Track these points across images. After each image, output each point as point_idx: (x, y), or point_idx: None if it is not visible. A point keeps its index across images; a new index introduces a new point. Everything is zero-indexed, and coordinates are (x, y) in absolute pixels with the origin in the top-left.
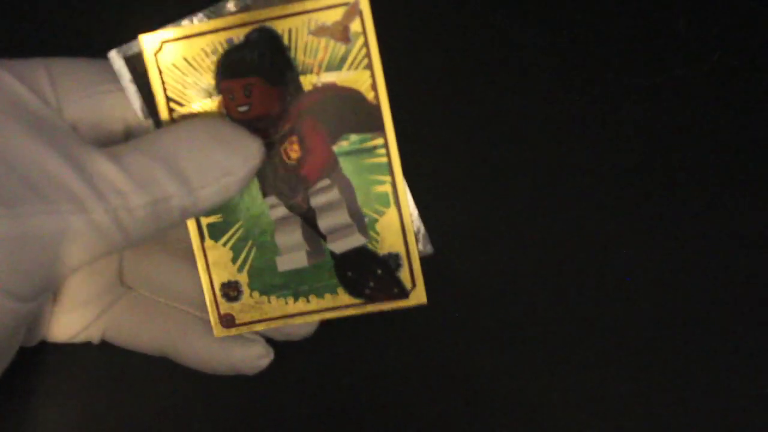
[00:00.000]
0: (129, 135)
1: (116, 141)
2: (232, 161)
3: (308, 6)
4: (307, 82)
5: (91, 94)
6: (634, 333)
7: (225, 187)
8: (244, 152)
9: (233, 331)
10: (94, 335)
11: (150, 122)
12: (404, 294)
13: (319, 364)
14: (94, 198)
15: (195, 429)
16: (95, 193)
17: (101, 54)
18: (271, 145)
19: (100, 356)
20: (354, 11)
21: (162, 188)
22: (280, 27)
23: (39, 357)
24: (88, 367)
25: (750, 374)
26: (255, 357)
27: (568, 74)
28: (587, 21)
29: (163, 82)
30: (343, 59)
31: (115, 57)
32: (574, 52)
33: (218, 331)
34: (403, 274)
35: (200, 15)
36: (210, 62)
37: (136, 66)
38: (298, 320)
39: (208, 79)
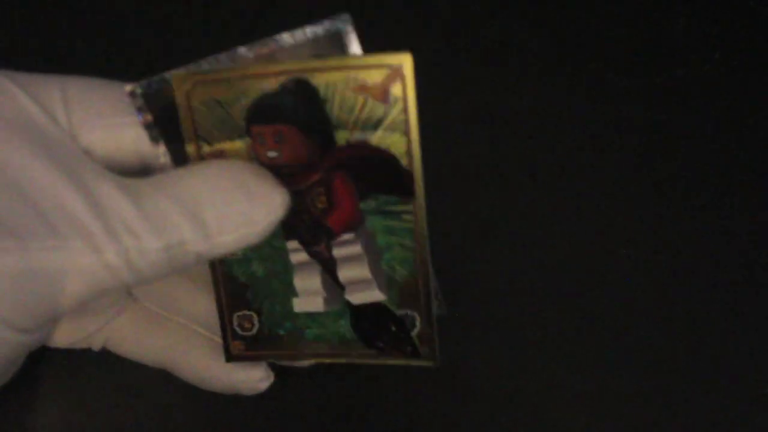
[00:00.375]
0: (144, 169)
1: (131, 172)
2: (254, 212)
3: (350, 63)
4: (341, 137)
5: (106, 126)
6: (634, 333)
7: (244, 236)
8: (269, 204)
9: (243, 361)
10: (95, 343)
11: (167, 160)
12: (416, 354)
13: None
14: (107, 238)
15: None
16: (108, 233)
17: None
18: (298, 193)
19: (100, 357)
20: (397, 74)
21: (178, 233)
22: (318, 80)
23: (39, 356)
24: (88, 367)
25: (750, 374)
26: (256, 380)
27: (568, 75)
28: (587, 21)
29: (193, 121)
30: (380, 120)
31: (134, 91)
32: (575, 53)
33: (228, 358)
34: (417, 333)
35: (215, 57)
36: (242, 106)
37: (156, 102)
38: (307, 361)
39: (239, 121)
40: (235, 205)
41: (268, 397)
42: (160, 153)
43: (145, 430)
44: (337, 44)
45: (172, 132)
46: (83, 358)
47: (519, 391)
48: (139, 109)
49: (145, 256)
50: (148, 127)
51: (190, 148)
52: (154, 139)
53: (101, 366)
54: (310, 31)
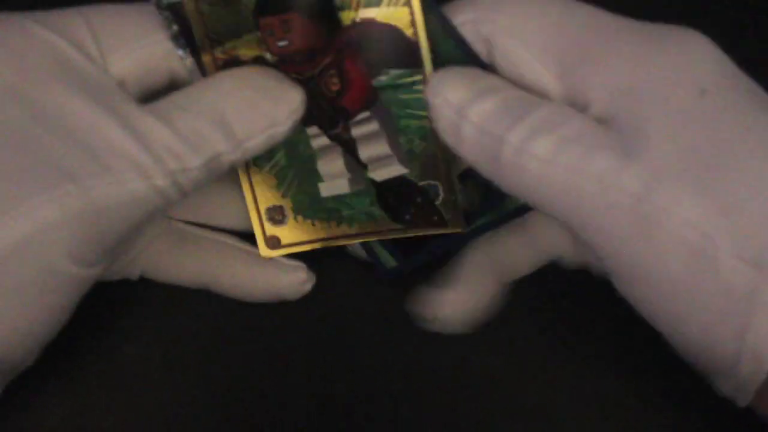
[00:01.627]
0: (173, 85)
1: (160, 92)
2: (277, 112)
3: None
4: (346, 17)
5: (137, 47)
6: (634, 333)
7: (271, 137)
8: (289, 102)
9: (280, 252)
10: (133, 271)
11: (194, 68)
12: (443, 223)
13: (318, 364)
14: (155, 164)
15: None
16: (155, 159)
17: None
18: (311, 78)
19: (100, 357)
20: None
21: (213, 147)
22: None
23: (39, 356)
24: (88, 367)
25: None
26: (299, 282)
27: None
28: None
29: (204, 23)
30: None
31: (160, 3)
32: None
33: (264, 251)
34: (442, 204)
35: None
36: (248, 0)
37: (179, 11)
38: (342, 242)
39: (247, 16)
40: (259, 108)
41: (268, 397)
42: (187, 63)
43: (145, 430)
44: None
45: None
46: (83, 358)
47: (518, 392)
48: (166, 20)
49: (187, 174)
50: (174, 37)
51: (205, 52)
52: (182, 48)
53: (102, 366)
54: None
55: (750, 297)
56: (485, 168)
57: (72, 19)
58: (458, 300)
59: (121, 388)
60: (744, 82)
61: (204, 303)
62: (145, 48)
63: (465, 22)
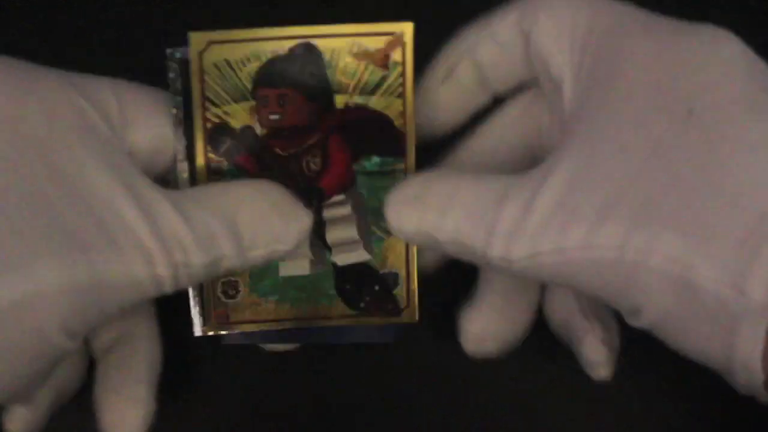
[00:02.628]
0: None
1: (162, 170)
2: (284, 231)
3: (355, 30)
4: (341, 101)
5: (155, 125)
6: (634, 333)
7: (273, 252)
8: (298, 224)
9: (225, 329)
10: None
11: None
12: (397, 312)
13: (317, 366)
14: (161, 252)
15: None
16: (162, 247)
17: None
18: (293, 156)
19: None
20: (398, 42)
21: (220, 249)
22: (324, 46)
23: None
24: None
25: None
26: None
27: None
28: None
29: (202, 81)
30: (378, 85)
31: (172, 54)
32: None
33: (209, 328)
34: (400, 293)
35: None
36: (250, 68)
37: (186, 65)
38: (290, 325)
39: (246, 84)
40: (270, 223)
41: (268, 398)
42: (175, 113)
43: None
44: None
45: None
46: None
47: (517, 393)
48: (171, 70)
49: (189, 269)
50: (172, 84)
51: (197, 110)
52: (176, 97)
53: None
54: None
55: (732, 319)
56: (481, 265)
57: (103, 87)
58: (484, 318)
59: None
60: (759, 81)
61: None
62: (161, 128)
63: (510, 22)
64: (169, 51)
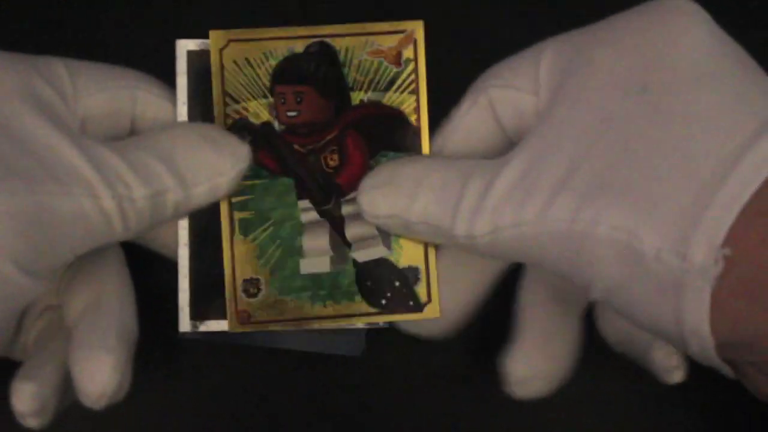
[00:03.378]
0: (134, 131)
1: (121, 136)
2: (223, 163)
3: (369, 29)
4: (356, 97)
5: (106, 88)
6: None
7: (216, 186)
8: (234, 155)
9: (248, 328)
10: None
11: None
12: (419, 307)
13: (319, 367)
14: (104, 185)
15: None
16: (104, 181)
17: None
18: (312, 151)
19: None
20: (409, 39)
21: (161, 183)
22: (339, 44)
23: None
24: None
25: None
26: None
27: None
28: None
29: (222, 77)
30: (392, 81)
31: (181, 46)
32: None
33: (233, 326)
34: (420, 289)
35: None
36: (268, 66)
37: (195, 61)
38: (314, 324)
39: (265, 81)
40: (206, 157)
41: (268, 397)
42: (182, 110)
43: (145, 430)
44: None
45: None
46: None
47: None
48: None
49: (134, 203)
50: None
51: (217, 104)
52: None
53: None
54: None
55: (677, 285)
56: (448, 245)
57: (53, 60)
58: (529, 358)
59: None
60: (720, 59)
61: None
62: (114, 90)
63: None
64: (180, 43)
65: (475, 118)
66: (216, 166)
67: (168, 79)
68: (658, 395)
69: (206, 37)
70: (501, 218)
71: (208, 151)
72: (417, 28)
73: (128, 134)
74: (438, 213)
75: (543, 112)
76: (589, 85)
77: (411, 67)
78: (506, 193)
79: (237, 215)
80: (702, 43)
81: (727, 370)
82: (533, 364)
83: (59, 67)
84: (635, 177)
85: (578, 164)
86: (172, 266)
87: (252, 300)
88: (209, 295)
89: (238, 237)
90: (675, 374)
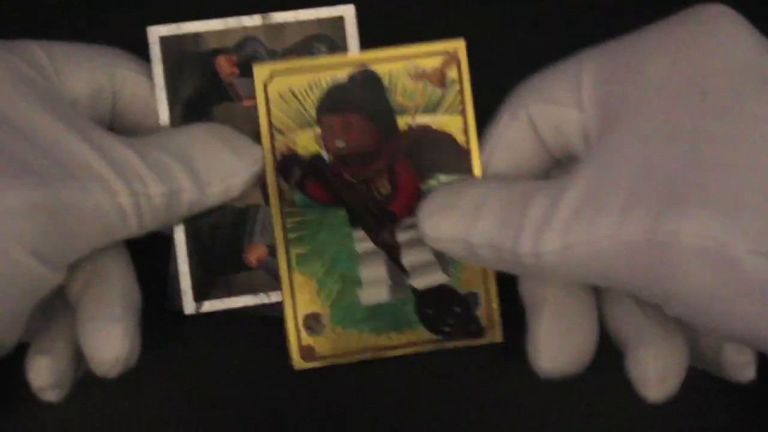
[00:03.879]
0: (114, 109)
1: (104, 116)
2: (237, 164)
3: (410, 52)
4: (403, 122)
5: (85, 69)
6: None
7: (229, 186)
8: (249, 157)
9: (314, 364)
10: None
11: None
12: (480, 333)
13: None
14: (120, 181)
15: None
16: (120, 177)
17: None
18: (363, 182)
19: None
20: (452, 59)
21: (177, 181)
22: (382, 70)
23: None
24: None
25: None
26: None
27: None
28: (587, 22)
29: (268, 110)
30: (438, 103)
31: (152, 33)
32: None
33: (298, 363)
34: (481, 313)
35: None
36: (314, 96)
37: (168, 46)
38: (376, 355)
39: (311, 112)
40: (222, 158)
41: (268, 397)
42: (160, 98)
43: (145, 430)
44: (339, 28)
45: (178, 84)
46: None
47: (516, 392)
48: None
49: (150, 201)
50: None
51: (265, 138)
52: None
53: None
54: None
55: None
56: (515, 272)
57: (29, 45)
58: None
59: (121, 388)
60: (761, 51)
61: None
62: (93, 69)
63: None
64: (151, 29)
65: (515, 134)
66: (231, 167)
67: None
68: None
69: (178, 20)
70: (570, 236)
71: (224, 152)
72: (459, 48)
73: (110, 113)
74: (501, 233)
75: (598, 127)
76: (645, 96)
77: (456, 87)
78: (575, 209)
79: (293, 251)
80: (750, 47)
81: None
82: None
83: (36, 50)
84: (713, 182)
85: (649, 174)
86: (162, 249)
87: (315, 336)
88: (209, 275)
89: (296, 273)
90: (748, 371)
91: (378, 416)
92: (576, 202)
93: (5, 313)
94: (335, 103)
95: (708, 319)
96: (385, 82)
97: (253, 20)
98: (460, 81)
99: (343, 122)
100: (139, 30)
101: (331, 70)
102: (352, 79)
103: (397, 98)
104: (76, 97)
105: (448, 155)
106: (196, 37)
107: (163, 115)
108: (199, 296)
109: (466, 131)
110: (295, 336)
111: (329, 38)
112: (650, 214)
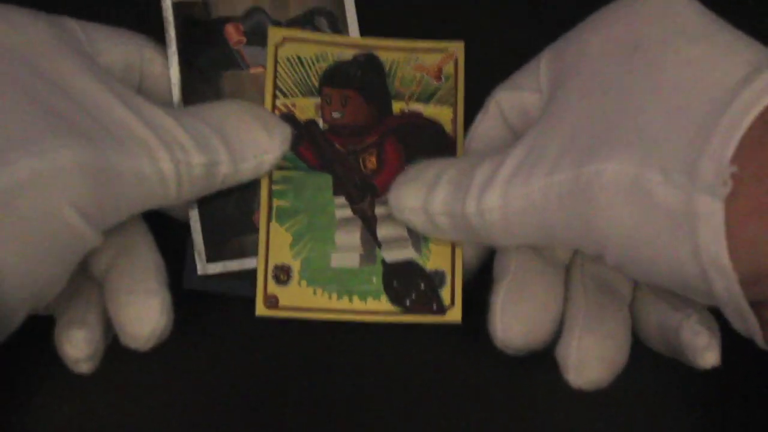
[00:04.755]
0: (141, 89)
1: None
2: (270, 141)
3: (414, 46)
4: (397, 107)
5: (118, 44)
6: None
7: (261, 163)
8: (281, 135)
9: (275, 313)
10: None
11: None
12: (441, 310)
13: (324, 365)
14: (162, 148)
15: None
16: (163, 144)
17: None
18: (352, 153)
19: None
20: (451, 57)
21: (216, 153)
22: (385, 56)
23: (37, 357)
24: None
25: (753, 373)
26: None
27: None
28: None
29: (275, 71)
30: (432, 94)
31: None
32: None
33: (260, 309)
34: (445, 292)
35: None
36: (318, 67)
37: (181, 12)
38: (336, 317)
39: (314, 81)
40: (255, 135)
41: (269, 397)
42: (172, 61)
43: (145, 430)
44: (338, 2)
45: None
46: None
47: (517, 391)
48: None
49: (190, 169)
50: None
51: (268, 96)
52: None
53: (101, 366)
54: None
55: (688, 217)
56: (470, 239)
57: (67, 20)
58: (575, 340)
59: (122, 388)
60: (707, 20)
61: (209, 306)
62: (125, 46)
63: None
64: None
65: (487, 124)
66: (264, 144)
67: (152, 33)
68: (659, 395)
69: None
70: (510, 189)
71: (257, 129)
72: (459, 49)
73: (136, 90)
74: (453, 199)
75: (545, 99)
76: (584, 60)
77: (450, 82)
78: (515, 167)
79: (275, 202)
80: (689, 9)
81: (753, 323)
82: (586, 346)
83: (72, 24)
84: (635, 125)
85: (581, 127)
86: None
87: (281, 287)
88: (221, 237)
89: (274, 223)
90: (707, 355)
91: (330, 378)
92: (517, 161)
93: (50, 270)
94: (338, 77)
95: (638, 263)
96: (387, 67)
97: None
98: (456, 78)
99: (342, 95)
100: None
101: (338, 48)
102: (356, 59)
103: (395, 84)
104: (110, 70)
105: (434, 141)
106: (206, 4)
107: (175, 78)
108: (211, 258)
109: (454, 122)
110: (263, 284)
111: (329, 12)
112: (578, 161)
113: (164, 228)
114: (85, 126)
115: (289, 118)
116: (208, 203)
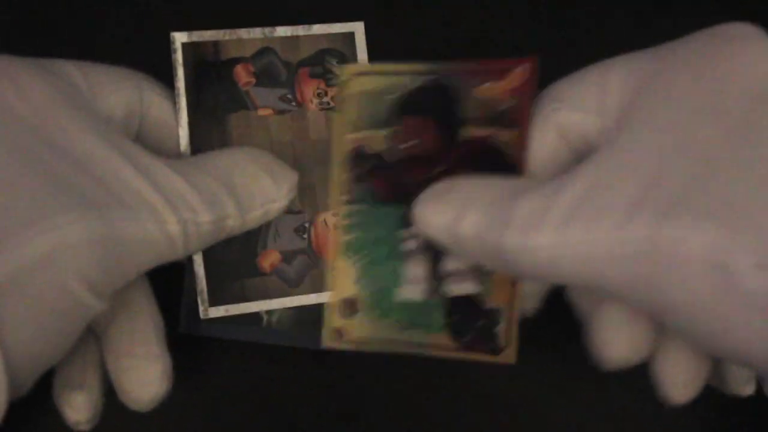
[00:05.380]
0: (140, 132)
1: (133, 135)
2: (277, 189)
3: (482, 66)
4: (465, 132)
5: (118, 89)
6: None
7: (267, 212)
8: (287, 183)
9: (340, 345)
10: None
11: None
12: (496, 350)
13: (325, 369)
14: (169, 210)
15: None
16: (169, 205)
17: None
18: (427, 181)
19: None
20: (520, 76)
21: (223, 207)
22: (454, 81)
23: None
24: None
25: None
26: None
27: None
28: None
29: (346, 106)
30: (500, 116)
31: (176, 38)
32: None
33: (328, 342)
34: (500, 330)
35: None
36: (388, 99)
37: (189, 53)
38: (398, 349)
39: (384, 113)
40: (261, 183)
41: (269, 397)
42: (179, 96)
43: (145, 430)
44: (349, 43)
45: (197, 90)
46: None
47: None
48: (177, 57)
49: (198, 227)
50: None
51: (338, 133)
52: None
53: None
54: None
55: None
56: (494, 266)
57: (65, 64)
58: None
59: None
60: None
61: (208, 350)
62: (125, 91)
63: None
64: (175, 35)
65: (546, 144)
66: (271, 193)
67: (160, 71)
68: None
69: (200, 28)
70: (568, 231)
71: (263, 178)
72: (528, 66)
73: (135, 135)
74: (487, 227)
75: (612, 132)
76: (664, 107)
77: (518, 102)
78: (574, 207)
79: (342, 237)
80: None
81: None
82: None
83: (73, 70)
84: (720, 194)
85: (657, 182)
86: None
87: (347, 320)
88: (223, 280)
89: (341, 258)
90: (750, 385)
91: (386, 409)
92: (575, 200)
93: (58, 340)
94: (412, 105)
95: (703, 333)
96: (456, 92)
97: (270, 32)
98: (524, 97)
99: (419, 124)
100: (159, 37)
101: (405, 77)
102: (426, 85)
103: (464, 109)
104: (111, 118)
105: (499, 168)
106: (215, 45)
107: (183, 119)
108: (213, 301)
109: (518, 146)
110: (330, 317)
111: (340, 52)
112: (655, 220)
113: (156, 269)
114: (92, 194)
115: (360, 152)
116: (211, 247)
